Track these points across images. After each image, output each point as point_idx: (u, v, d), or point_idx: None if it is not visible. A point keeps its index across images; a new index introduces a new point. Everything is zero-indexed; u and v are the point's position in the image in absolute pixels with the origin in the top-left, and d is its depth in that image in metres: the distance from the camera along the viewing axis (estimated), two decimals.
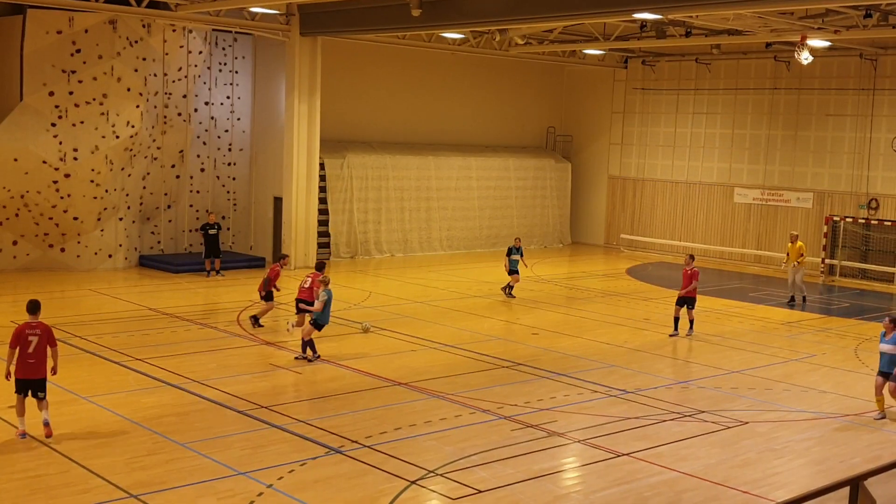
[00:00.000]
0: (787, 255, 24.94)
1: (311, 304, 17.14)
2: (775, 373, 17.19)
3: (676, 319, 20.20)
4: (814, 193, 31.01)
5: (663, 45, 30.31)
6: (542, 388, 15.41)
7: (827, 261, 29.86)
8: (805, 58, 23.54)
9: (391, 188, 31.75)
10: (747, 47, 31.62)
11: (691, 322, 20.13)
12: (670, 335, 20.07)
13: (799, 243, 24.64)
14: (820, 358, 18.57)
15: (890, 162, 29.29)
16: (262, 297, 19.63)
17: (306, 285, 17.86)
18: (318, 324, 16.84)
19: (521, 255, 24.51)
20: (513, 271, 24.29)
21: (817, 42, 25.72)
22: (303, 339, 16.79)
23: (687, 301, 20.03)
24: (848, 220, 29.69)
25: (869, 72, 29.59)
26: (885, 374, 14.13)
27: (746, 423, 13.89)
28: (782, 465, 12.14)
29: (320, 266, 18.73)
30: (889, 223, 28.84)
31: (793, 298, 24.79)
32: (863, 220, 29.48)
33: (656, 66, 35.13)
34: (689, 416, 14.13)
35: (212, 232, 26.03)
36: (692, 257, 20.84)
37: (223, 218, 29.09)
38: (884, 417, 14.29)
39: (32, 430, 12.02)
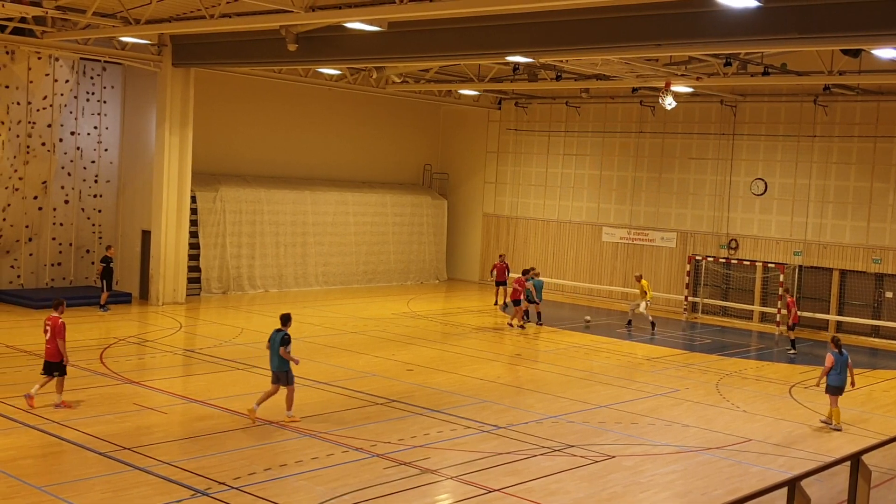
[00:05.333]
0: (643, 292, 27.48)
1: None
2: (641, 407, 17.68)
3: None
4: (677, 233, 32.22)
5: (535, 87, 31.11)
6: (416, 425, 15.41)
7: (689, 298, 31.01)
8: (669, 103, 24.50)
9: (266, 222, 31.34)
10: (614, 92, 32.77)
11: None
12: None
13: (643, 281, 27.62)
14: (683, 393, 19.19)
15: (749, 204, 30.73)
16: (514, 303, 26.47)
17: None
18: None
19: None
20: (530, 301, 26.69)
21: (681, 88, 26.90)
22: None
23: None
24: (709, 259, 30.94)
25: (729, 117, 31.07)
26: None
27: (613, 457, 14.21)
28: (647, 499, 12.45)
29: (525, 272, 26.78)
30: (748, 262, 30.18)
31: (629, 322, 27.75)
32: (723, 260, 30.78)
33: (529, 108, 35.99)
34: (559, 450, 14.37)
35: (112, 266, 25.71)
36: (787, 290, 26.55)
37: (87, 252, 28.16)
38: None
39: None
